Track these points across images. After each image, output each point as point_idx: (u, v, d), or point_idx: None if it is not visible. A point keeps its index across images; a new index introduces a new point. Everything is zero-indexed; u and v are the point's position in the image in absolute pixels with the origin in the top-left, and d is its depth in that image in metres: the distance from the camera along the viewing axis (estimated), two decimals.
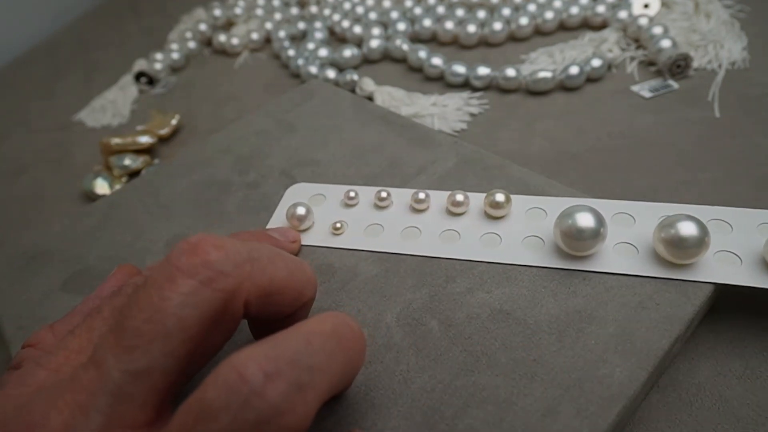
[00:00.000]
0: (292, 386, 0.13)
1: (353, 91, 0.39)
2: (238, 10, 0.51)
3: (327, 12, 0.48)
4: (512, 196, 0.24)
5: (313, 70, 0.40)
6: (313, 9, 0.50)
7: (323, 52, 0.42)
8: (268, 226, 0.25)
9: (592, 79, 0.36)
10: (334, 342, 0.14)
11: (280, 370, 0.13)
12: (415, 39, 0.44)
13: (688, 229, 0.19)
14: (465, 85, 0.38)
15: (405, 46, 0.41)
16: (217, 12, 0.51)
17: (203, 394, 0.12)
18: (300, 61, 0.42)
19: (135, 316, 0.14)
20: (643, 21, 0.38)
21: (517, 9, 0.43)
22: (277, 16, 0.50)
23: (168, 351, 0.14)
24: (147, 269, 0.18)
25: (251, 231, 0.23)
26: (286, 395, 0.12)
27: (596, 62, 0.35)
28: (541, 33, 0.42)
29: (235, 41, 0.48)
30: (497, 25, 0.41)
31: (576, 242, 0.20)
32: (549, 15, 0.41)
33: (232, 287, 0.14)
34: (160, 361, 0.13)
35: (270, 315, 0.16)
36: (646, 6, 0.40)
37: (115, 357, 0.13)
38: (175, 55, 0.47)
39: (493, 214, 0.23)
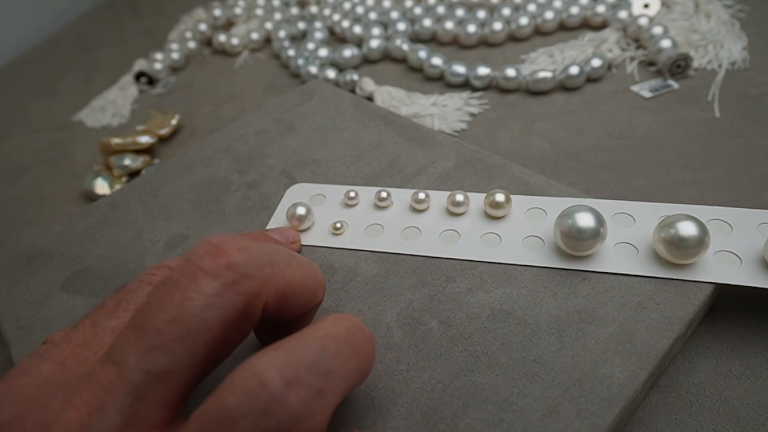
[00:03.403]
0: (311, 392, 0.13)
1: (353, 91, 0.39)
2: (238, 10, 0.51)
3: (327, 12, 0.48)
4: (512, 196, 0.24)
5: (313, 70, 0.40)
6: (313, 9, 0.50)
7: (323, 52, 0.42)
8: (268, 226, 0.25)
9: (592, 79, 0.36)
10: (348, 346, 0.14)
11: (300, 377, 0.13)
12: (415, 39, 0.44)
13: (687, 229, 0.19)
14: (465, 85, 0.38)
15: (405, 46, 0.41)
16: (217, 12, 0.51)
17: (222, 401, 0.12)
18: (300, 61, 0.42)
19: (156, 315, 0.13)
20: (643, 21, 0.38)
21: (517, 9, 0.43)
22: (277, 16, 0.50)
23: (190, 352, 0.13)
24: (151, 269, 0.18)
25: (251, 233, 0.23)
26: (306, 401, 0.12)
27: (596, 62, 0.35)
28: (541, 33, 0.42)
29: (235, 41, 0.48)
30: (497, 25, 0.41)
31: (576, 242, 0.20)
32: (549, 15, 0.41)
33: (255, 290, 0.14)
34: (182, 363, 0.13)
35: (282, 317, 0.16)
36: (646, 6, 0.40)
37: (136, 357, 0.13)
38: (175, 55, 0.47)
39: (493, 214, 0.23)
